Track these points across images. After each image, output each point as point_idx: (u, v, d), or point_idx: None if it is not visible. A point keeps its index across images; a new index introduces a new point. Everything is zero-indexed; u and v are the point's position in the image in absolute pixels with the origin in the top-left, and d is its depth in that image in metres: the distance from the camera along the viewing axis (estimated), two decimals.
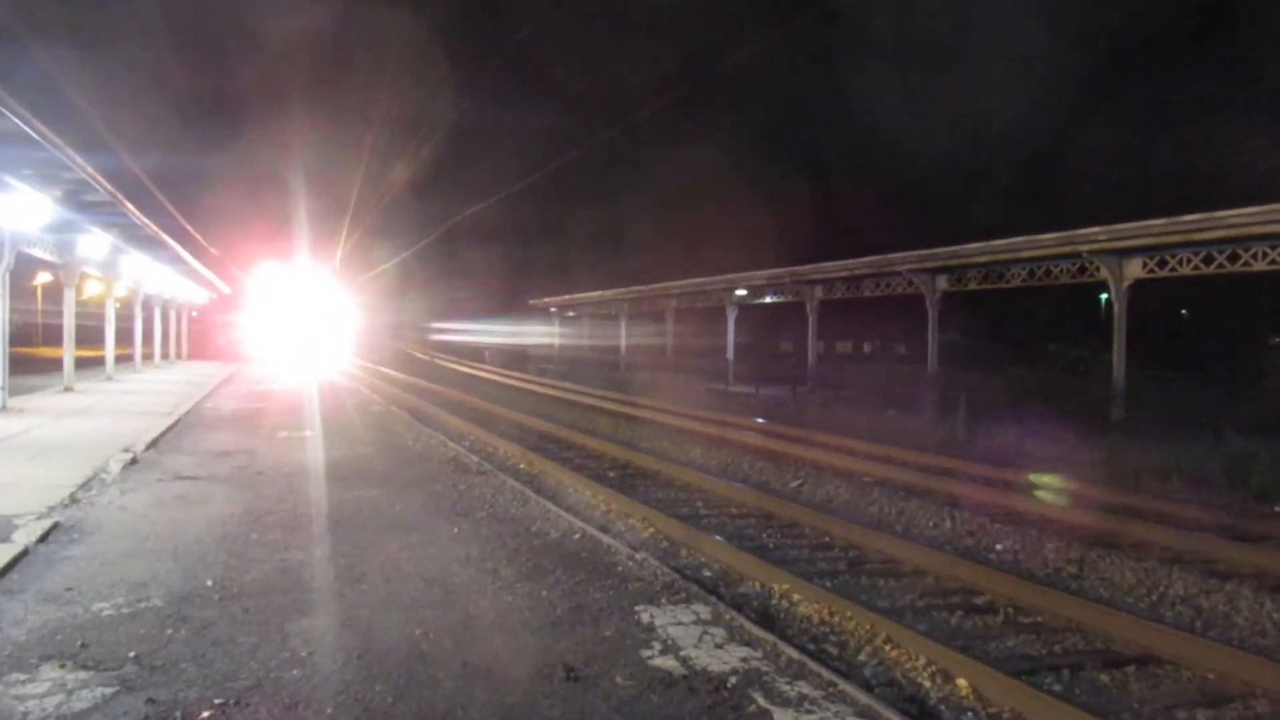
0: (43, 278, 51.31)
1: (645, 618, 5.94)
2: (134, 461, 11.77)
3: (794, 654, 5.35)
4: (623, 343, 47.64)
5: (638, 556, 7.55)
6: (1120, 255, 20.58)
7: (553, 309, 58.94)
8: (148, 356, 36.65)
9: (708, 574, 8.21)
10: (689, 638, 5.57)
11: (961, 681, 5.69)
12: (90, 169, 14.80)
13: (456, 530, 8.42)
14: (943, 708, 5.46)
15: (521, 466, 14.05)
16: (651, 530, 9.77)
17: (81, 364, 25.78)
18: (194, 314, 53.71)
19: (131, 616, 5.65)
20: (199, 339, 54.46)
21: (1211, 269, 19.09)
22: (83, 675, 4.71)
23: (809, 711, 4.54)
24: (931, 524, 10.50)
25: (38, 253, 20.68)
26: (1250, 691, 5.74)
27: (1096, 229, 20.01)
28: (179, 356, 46.17)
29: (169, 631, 5.40)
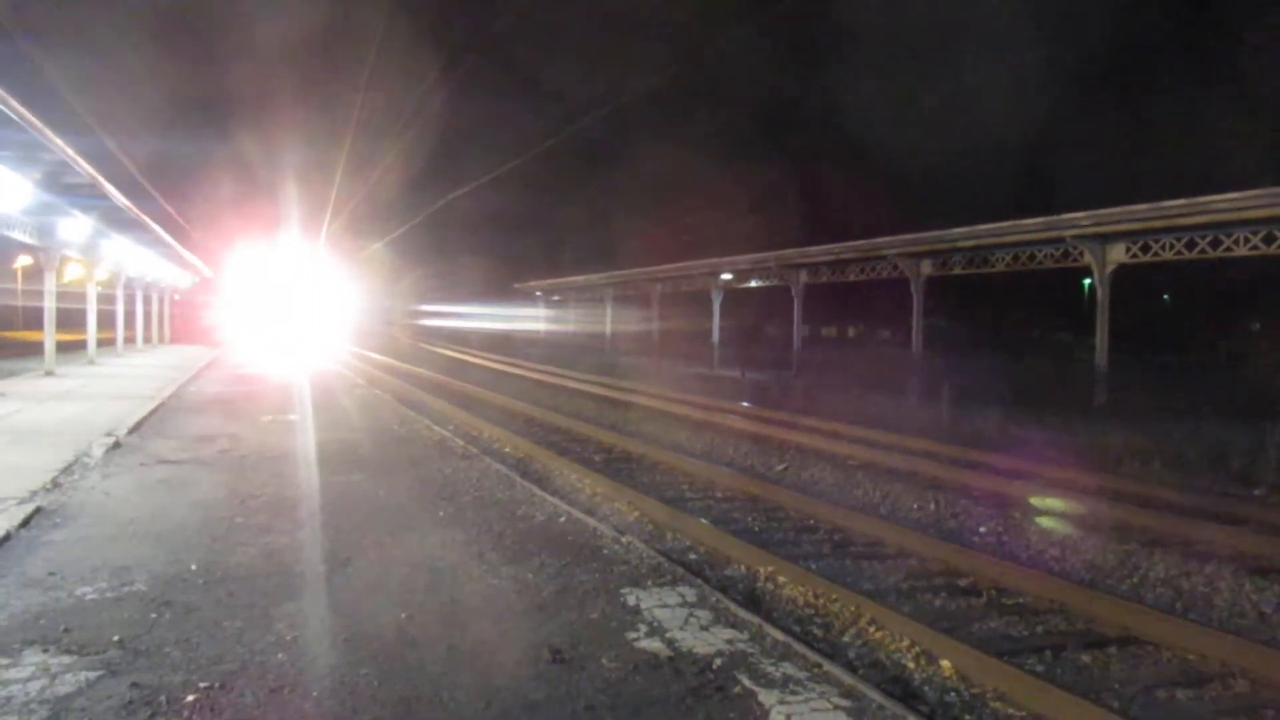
0: (23, 261, 50.75)
1: (631, 600, 5.95)
2: (116, 446, 11.69)
3: (779, 636, 5.38)
4: (608, 327, 47.57)
5: (624, 540, 7.56)
6: (1103, 240, 20.66)
7: (538, 293, 58.80)
8: (130, 340, 36.37)
9: (693, 557, 8.24)
10: (675, 620, 5.59)
11: (945, 663, 5.74)
12: (70, 150, 14.62)
13: (442, 514, 8.41)
14: (926, 688, 5.51)
15: (507, 450, 14.04)
16: (637, 514, 9.79)
17: (63, 348, 25.57)
18: (177, 297, 53.29)
19: (115, 601, 5.63)
20: (182, 323, 54.03)
21: (1194, 254, 19.20)
22: (66, 659, 4.69)
23: (794, 693, 4.57)
24: (916, 506, 10.57)
25: (17, 235, 20.45)
26: (1229, 671, 5.81)
27: (1080, 214, 20.09)
28: (162, 340, 45.85)
29: (153, 616, 5.37)
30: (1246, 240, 18.04)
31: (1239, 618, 7.09)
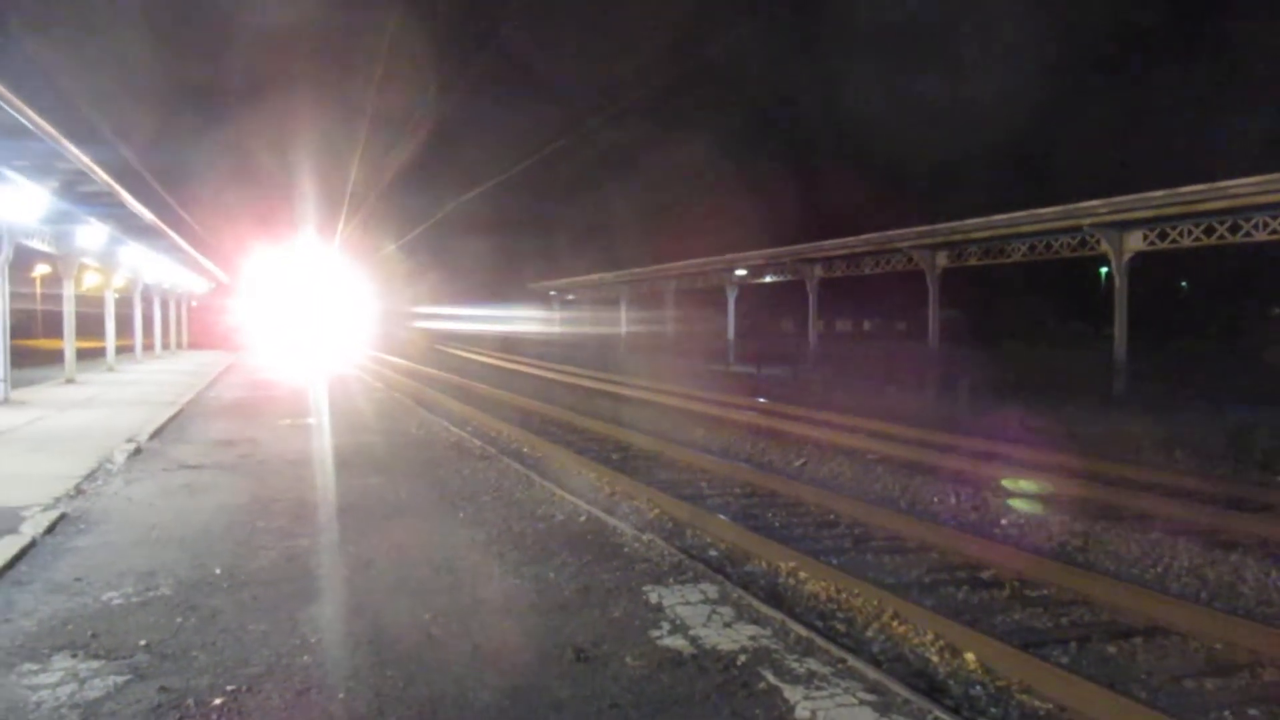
0: (41, 269, 51.21)
1: (653, 598, 5.95)
2: (138, 451, 11.79)
3: (802, 631, 5.37)
4: (623, 327, 47.55)
5: (644, 538, 7.56)
6: (1121, 228, 20.50)
7: (553, 293, 58.84)
8: (148, 347, 36.65)
9: (714, 554, 8.22)
10: (697, 617, 5.58)
11: (970, 655, 5.70)
12: (86, 160, 14.75)
13: (462, 515, 8.44)
14: (951, 681, 5.47)
15: (525, 450, 14.05)
16: (656, 511, 9.77)
17: (82, 355, 25.78)
18: (194, 303, 53.66)
19: (141, 605, 5.67)
20: (200, 328, 54.41)
21: (1213, 240, 19.03)
22: (94, 664, 4.73)
23: (819, 688, 4.56)
24: (935, 500, 10.52)
25: (36, 244, 20.65)
26: (1257, 660, 5.76)
27: (1097, 202, 19.93)
28: (180, 346, 46.18)
29: (179, 620, 5.41)
30: (1266, 225, 17.87)
31: (1265, 605, 7.03)
